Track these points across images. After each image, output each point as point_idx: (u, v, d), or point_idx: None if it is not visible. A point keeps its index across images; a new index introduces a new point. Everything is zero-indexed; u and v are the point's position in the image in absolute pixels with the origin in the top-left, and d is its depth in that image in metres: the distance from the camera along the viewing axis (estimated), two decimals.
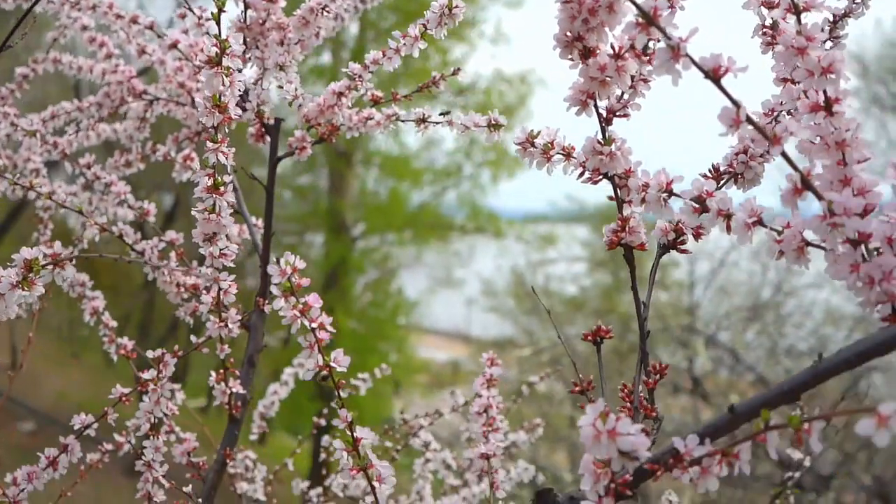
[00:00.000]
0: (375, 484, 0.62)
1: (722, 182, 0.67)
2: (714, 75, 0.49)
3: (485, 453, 0.88)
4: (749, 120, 0.48)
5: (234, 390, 0.94)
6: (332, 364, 0.60)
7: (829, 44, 0.70)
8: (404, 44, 0.86)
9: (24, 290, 0.66)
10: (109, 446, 1.08)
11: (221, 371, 0.92)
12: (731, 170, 0.67)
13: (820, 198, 0.49)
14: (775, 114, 0.67)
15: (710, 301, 7.59)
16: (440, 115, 0.93)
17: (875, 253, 0.50)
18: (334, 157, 10.82)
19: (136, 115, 1.17)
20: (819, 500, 5.13)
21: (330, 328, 0.60)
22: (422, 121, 0.92)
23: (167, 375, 0.87)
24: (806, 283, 6.70)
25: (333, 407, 0.65)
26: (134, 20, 1.06)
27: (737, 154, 0.67)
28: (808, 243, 0.53)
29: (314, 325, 0.59)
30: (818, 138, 0.52)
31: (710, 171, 0.67)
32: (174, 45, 1.03)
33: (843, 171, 0.52)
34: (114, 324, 1.07)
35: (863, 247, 0.51)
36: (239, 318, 0.88)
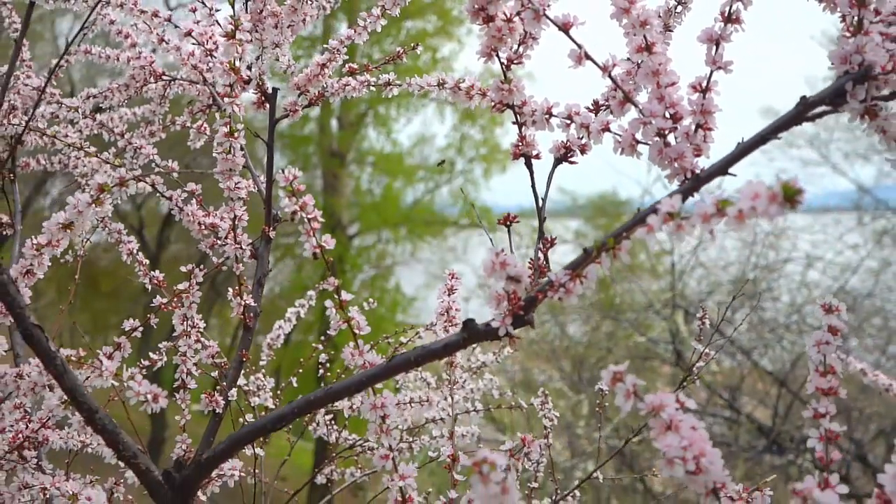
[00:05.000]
0: (356, 331, 0.87)
1: (600, 112, 0.92)
2: (565, 28, 0.74)
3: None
4: (587, 56, 0.74)
5: (247, 303, 1.19)
6: (323, 244, 0.86)
7: (679, 7, 0.95)
8: (370, 21, 1.12)
9: (97, 206, 0.91)
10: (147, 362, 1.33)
11: (237, 287, 1.18)
12: (606, 103, 0.92)
13: (636, 106, 0.75)
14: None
15: (696, 280, 7.88)
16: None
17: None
18: (328, 158, 11.08)
19: (157, 94, 1.42)
20: (797, 461, 5.41)
21: (320, 219, 0.85)
22: (387, 84, 1.17)
23: (197, 286, 1.12)
24: (782, 258, 6.97)
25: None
26: (155, 14, 1.31)
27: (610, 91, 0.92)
28: (638, 141, 0.78)
29: (310, 216, 0.85)
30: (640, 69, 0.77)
31: (591, 104, 0.92)
32: (189, 34, 1.28)
33: (660, 91, 0.77)
34: (147, 261, 1.32)
35: (672, 138, 0.76)
36: (250, 241, 1.13)
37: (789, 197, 0.52)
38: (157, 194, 1.24)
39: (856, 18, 0.67)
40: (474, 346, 1.92)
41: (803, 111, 0.68)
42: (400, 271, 12.20)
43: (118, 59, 1.43)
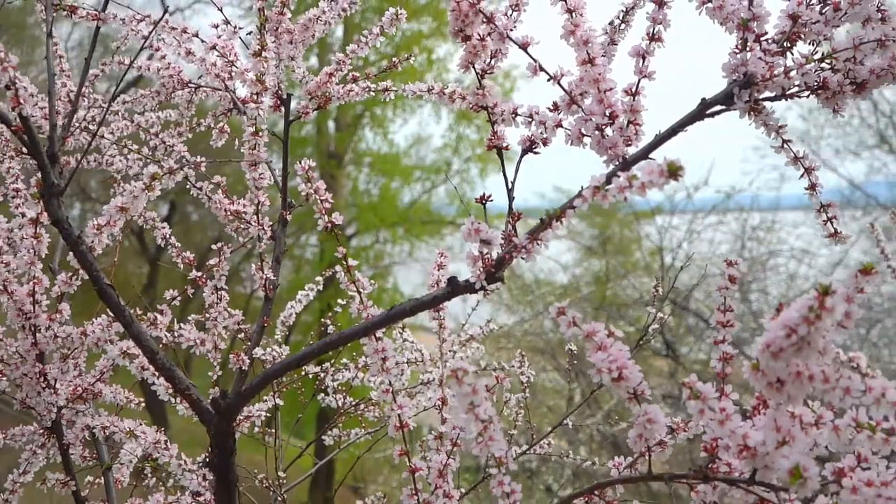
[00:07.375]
0: (362, 290, 1.08)
1: (559, 112, 1.13)
2: (523, 47, 0.95)
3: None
4: (541, 68, 0.95)
5: (268, 276, 1.39)
6: (333, 220, 1.06)
7: (622, 25, 1.16)
8: (370, 38, 1.33)
9: (149, 192, 1.11)
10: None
11: (259, 263, 1.38)
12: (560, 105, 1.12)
13: (579, 107, 0.96)
14: None
15: (688, 275, 8.11)
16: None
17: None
18: (325, 159, 11.29)
19: (185, 100, 1.62)
20: None
21: (330, 200, 1.06)
22: (386, 90, 1.38)
23: (225, 261, 1.33)
24: (766, 251, 7.20)
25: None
26: (184, 30, 1.51)
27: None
28: (583, 134, 0.99)
29: (322, 198, 1.05)
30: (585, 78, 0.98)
31: (552, 104, 1.13)
32: (213, 47, 1.49)
33: (600, 95, 0.98)
34: (179, 245, 1.52)
35: (609, 131, 0.97)
36: (271, 223, 1.34)
37: (672, 172, 0.72)
38: (188, 185, 1.45)
39: (741, 38, 0.88)
40: (465, 322, 2.13)
41: (703, 109, 0.89)
42: (398, 271, 12.38)
43: (149, 69, 1.64)
